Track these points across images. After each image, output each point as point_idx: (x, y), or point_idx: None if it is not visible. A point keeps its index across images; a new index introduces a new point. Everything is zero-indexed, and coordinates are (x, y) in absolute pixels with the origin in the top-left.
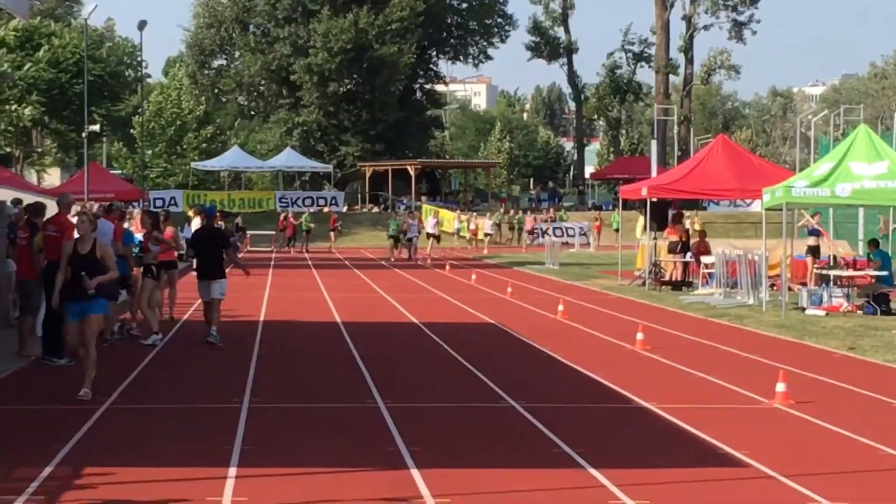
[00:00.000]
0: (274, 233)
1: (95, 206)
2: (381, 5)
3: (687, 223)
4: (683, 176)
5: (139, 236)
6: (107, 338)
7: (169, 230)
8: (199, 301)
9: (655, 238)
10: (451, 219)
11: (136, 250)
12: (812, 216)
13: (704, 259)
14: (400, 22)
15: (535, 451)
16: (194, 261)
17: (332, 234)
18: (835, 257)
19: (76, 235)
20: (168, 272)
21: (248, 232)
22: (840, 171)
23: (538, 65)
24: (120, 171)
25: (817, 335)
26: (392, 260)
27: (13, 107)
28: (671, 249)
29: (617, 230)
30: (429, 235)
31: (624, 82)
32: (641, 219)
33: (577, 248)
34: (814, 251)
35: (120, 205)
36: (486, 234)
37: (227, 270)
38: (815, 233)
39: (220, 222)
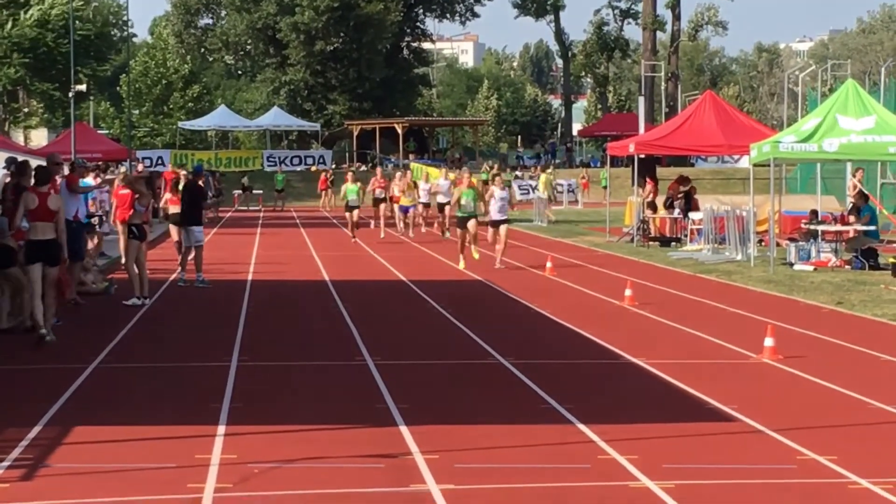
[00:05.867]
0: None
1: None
2: None
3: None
4: (671, 132)
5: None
6: (70, 298)
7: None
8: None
9: (641, 196)
10: (437, 176)
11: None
12: (854, 173)
13: (693, 215)
14: None
15: (524, 408)
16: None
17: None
18: (816, 212)
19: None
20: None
21: (236, 192)
22: (827, 126)
23: (525, 22)
24: (107, 131)
25: (805, 290)
26: (354, 239)
27: None
28: (667, 205)
29: (605, 187)
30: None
31: (611, 39)
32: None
33: (565, 205)
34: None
35: (82, 162)
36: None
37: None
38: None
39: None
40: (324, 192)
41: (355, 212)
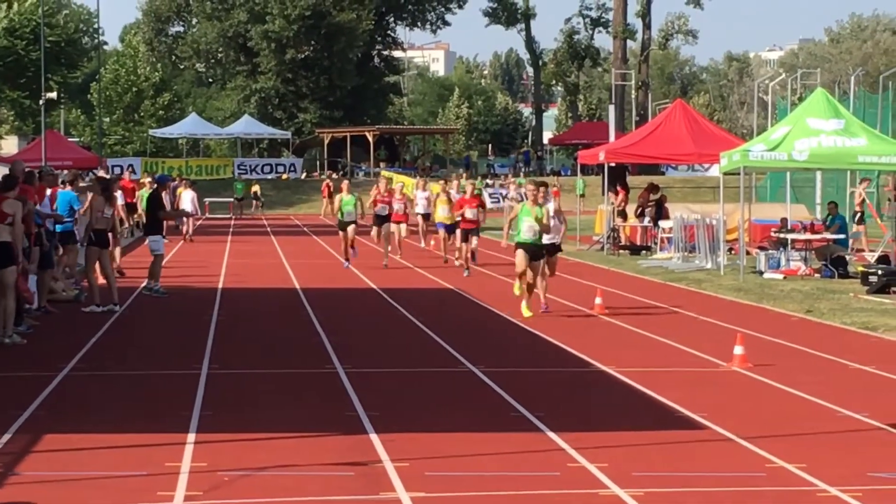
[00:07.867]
0: (233, 200)
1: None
2: None
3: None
4: (641, 140)
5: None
6: (40, 306)
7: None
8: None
9: (612, 204)
10: (410, 185)
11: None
12: (860, 182)
13: (663, 223)
14: None
15: (494, 415)
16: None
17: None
18: (786, 220)
19: None
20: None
21: (207, 199)
22: (797, 127)
23: (496, 31)
24: (78, 139)
25: (775, 298)
26: (346, 264)
27: None
28: (637, 213)
29: (582, 195)
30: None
31: (582, 48)
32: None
33: None
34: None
35: (49, 169)
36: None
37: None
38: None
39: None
40: (326, 200)
41: (350, 229)
